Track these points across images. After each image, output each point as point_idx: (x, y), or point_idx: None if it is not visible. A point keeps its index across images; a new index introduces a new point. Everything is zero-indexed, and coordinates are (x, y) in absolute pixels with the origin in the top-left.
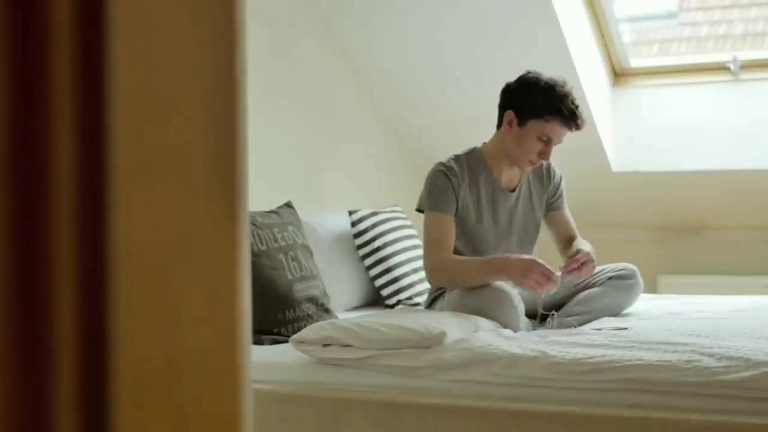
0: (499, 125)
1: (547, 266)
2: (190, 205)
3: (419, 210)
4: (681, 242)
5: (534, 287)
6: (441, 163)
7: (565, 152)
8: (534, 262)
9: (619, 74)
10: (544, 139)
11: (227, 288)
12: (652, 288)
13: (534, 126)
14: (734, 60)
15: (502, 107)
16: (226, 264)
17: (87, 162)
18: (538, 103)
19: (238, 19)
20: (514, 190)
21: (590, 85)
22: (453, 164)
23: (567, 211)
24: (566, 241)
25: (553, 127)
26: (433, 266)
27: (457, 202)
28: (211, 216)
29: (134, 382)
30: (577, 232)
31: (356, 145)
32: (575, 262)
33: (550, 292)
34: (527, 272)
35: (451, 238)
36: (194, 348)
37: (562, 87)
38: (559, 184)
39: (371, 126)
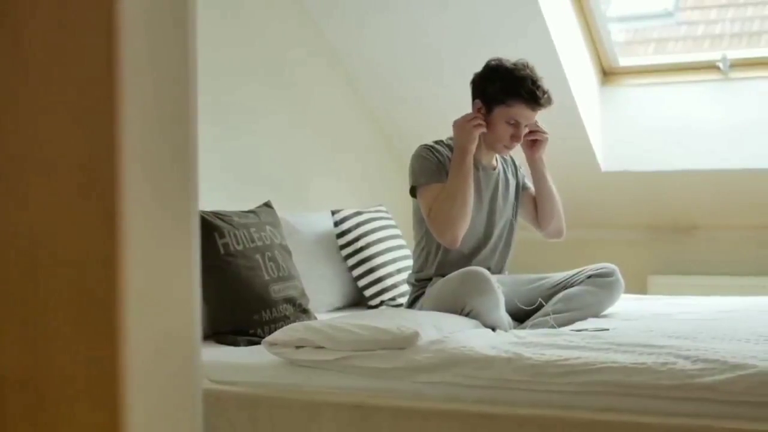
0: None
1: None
2: (60, 204)
3: (413, 191)
4: (671, 242)
5: (477, 127)
6: (424, 144)
7: (554, 152)
8: (457, 122)
9: (608, 73)
10: (512, 122)
11: (104, 293)
12: (641, 288)
13: (499, 112)
14: (724, 59)
15: (472, 97)
16: (103, 267)
17: None
18: (498, 90)
19: (117, 28)
20: (494, 169)
21: (579, 85)
22: (436, 144)
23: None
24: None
25: (517, 110)
26: (431, 220)
27: (446, 174)
28: (85, 215)
29: None
30: None
31: (343, 145)
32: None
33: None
34: (463, 126)
35: None
36: (64, 359)
37: (522, 70)
38: (523, 176)
39: (358, 126)
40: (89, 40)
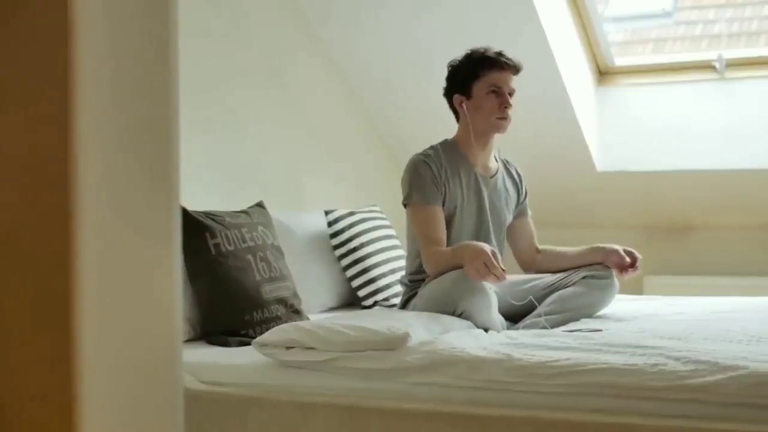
0: (457, 117)
1: (495, 260)
2: (13, 204)
3: (405, 204)
4: (667, 243)
5: (473, 274)
6: (419, 154)
7: (550, 151)
8: (483, 251)
9: (604, 73)
10: (494, 90)
11: (58, 297)
12: (637, 289)
13: (478, 87)
14: (720, 59)
15: (449, 100)
16: (57, 272)
17: None
18: (467, 70)
19: (74, 30)
20: (492, 177)
21: (574, 85)
22: (431, 152)
23: (531, 220)
24: (531, 250)
25: (493, 75)
26: (426, 261)
27: (441, 189)
28: (39, 218)
29: None
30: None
31: (336, 145)
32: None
33: (491, 283)
34: (474, 258)
35: (441, 229)
36: (20, 362)
37: (481, 47)
38: (526, 192)
39: (352, 126)
40: (45, 34)
